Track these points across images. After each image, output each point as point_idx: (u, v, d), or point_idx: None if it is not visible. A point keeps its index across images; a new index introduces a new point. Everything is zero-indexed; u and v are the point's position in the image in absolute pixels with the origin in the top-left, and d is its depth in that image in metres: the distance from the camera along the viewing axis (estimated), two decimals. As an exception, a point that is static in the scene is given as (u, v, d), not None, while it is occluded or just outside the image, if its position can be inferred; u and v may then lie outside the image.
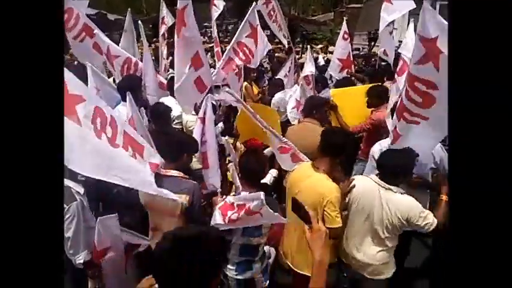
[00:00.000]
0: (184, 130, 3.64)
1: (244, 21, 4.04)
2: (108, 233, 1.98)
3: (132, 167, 1.85)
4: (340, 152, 2.28)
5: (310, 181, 2.24)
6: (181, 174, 2.23)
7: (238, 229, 2.11)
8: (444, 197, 2.23)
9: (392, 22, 5.04)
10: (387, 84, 4.79)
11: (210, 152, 2.64)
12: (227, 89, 3.36)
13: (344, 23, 5.56)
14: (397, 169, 2.19)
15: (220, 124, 3.63)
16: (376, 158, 2.57)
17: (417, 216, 2.10)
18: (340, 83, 4.70)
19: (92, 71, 3.11)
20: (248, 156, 2.25)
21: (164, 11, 6.27)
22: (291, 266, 2.39)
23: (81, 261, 2.05)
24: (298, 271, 2.32)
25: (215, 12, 5.59)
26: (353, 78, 5.18)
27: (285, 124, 4.00)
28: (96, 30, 3.64)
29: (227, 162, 3.60)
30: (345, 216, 2.27)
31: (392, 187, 2.18)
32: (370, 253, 2.25)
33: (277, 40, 6.77)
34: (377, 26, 4.96)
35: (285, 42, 5.52)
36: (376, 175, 2.28)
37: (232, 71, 4.13)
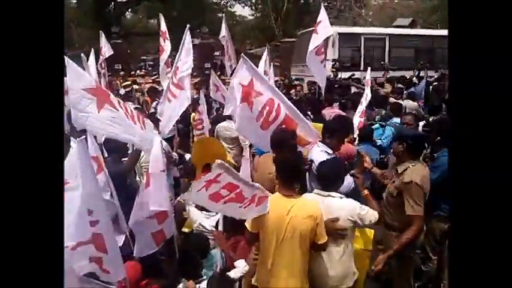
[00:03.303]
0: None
1: (180, 47, 3.97)
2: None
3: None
4: (299, 174, 2.41)
5: (295, 210, 2.23)
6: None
7: None
8: (365, 192, 2.57)
9: (325, 54, 5.55)
10: (326, 111, 5.15)
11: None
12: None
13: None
14: (333, 176, 2.45)
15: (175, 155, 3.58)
16: None
17: (361, 213, 2.35)
18: None
19: None
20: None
21: (103, 41, 6.13)
22: None
23: None
24: None
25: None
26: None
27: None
28: None
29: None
30: None
31: (331, 193, 2.39)
32: (339, 266, 2.36)
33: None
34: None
35: (229, 72, 5.74)
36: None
37: (174, 98, 3.95)
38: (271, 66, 4.95)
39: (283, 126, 3.12)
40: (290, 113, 3.14)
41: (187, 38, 3.80)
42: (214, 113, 6.20)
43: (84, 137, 1.88)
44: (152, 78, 9.88)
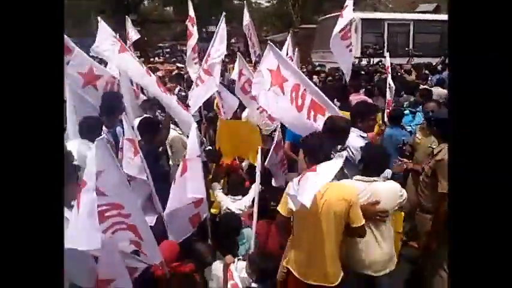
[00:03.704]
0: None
1: (214, 35, 3.99)
2: (112, 264, 1.89)
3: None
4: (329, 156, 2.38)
5: (329, 193, 2.23)
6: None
7: None
8: None
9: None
10: (352, 97, 5.08)
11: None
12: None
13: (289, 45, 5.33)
14: (380, 161, 2.48)
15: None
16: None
17: (401, 195, 2.38)
18: None
19: (69, 89, 2.99)
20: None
21: (129, 26, 6.19)
22: (300, 278, 2.34)
23: None
24: (310, 282, 2.31)
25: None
26: None
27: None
28: (76, 50, 3.49)
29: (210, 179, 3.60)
30: None
31: (375, 177, 2.40)
32: (383, 250, 2.36)
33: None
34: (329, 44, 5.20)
35: (253, 58, 5.70)
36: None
37: (201, 83, 3.97)
38: (296, 52, 4.86)
39: (312, 111, 3.11)
40: (316, 98, 3.10)
41: (222, 25, 3.79)
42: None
43: (103, 136, 1.92)
44: (176, 65, 9.91)
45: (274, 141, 3.28)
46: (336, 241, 2.25)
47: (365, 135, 3.04)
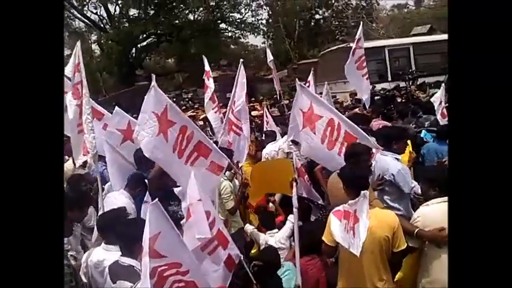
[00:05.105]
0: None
1: (235, 82, 4.19)
2: None
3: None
4: (366, 182, 2.42)
5: (371, 219, 2.23)
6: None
7: None
8: None
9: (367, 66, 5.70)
10: (374, 123, 5.15)
11: None
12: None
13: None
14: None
15: None
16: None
17: None
18: None
19: (107, 147, 3.16)
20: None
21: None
22: None
23: None
24: None
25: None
26: None
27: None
28: (115, 109, 3.69)
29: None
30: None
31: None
32: None
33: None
34: (333, 76, 5.51)
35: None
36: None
37: (233, 132, 4.13)
38: (326, 84, 5.09)
39: (345, 142, 3.18)
40: (349, 129, 3.21)
41: (241, 72, 3.99)
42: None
43: (157, 199, 2.03)
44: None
45: (295, 168, 3.35)
46: (382, 266, 2.30)
47: (399, 157, 3.14)
